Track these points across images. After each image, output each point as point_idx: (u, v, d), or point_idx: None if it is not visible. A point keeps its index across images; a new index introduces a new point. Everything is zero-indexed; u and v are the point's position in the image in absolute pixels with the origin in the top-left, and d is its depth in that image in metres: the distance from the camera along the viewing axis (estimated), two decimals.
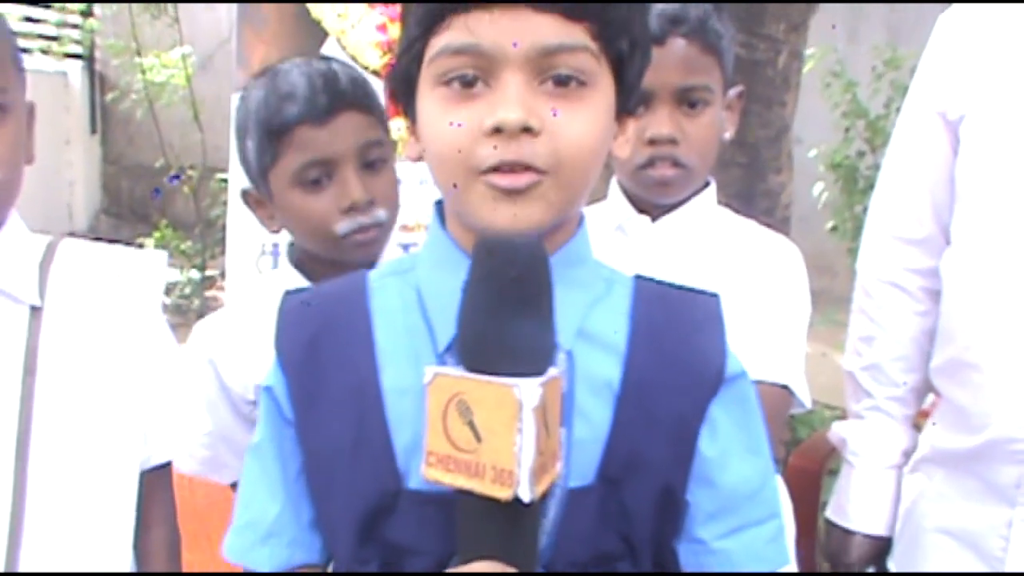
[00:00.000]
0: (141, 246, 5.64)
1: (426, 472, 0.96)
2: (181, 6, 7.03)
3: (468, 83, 1.01)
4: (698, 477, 1.10)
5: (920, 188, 1.79)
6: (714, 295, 1.15)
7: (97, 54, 8.47)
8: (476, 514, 0.96)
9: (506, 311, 0.94)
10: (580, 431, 1.05)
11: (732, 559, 1.12)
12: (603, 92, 1.04)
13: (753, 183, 3.41)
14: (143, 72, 6.94)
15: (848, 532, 1.89)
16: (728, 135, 1.73)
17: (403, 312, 1.11)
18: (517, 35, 0.98)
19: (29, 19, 8.01)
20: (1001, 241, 1.62)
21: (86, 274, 1.48)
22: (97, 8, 7.88)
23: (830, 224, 5.20)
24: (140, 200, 8.88)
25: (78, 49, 8.41)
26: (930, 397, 1.85)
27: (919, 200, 1.79)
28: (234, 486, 1.72)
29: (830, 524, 1.93)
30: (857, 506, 1.88)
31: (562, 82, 1.01)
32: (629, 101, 1.10)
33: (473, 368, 0.94)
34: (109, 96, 7.81)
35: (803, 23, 3.49)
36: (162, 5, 6.91)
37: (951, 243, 1.72)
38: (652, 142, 1.63)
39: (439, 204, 1.12)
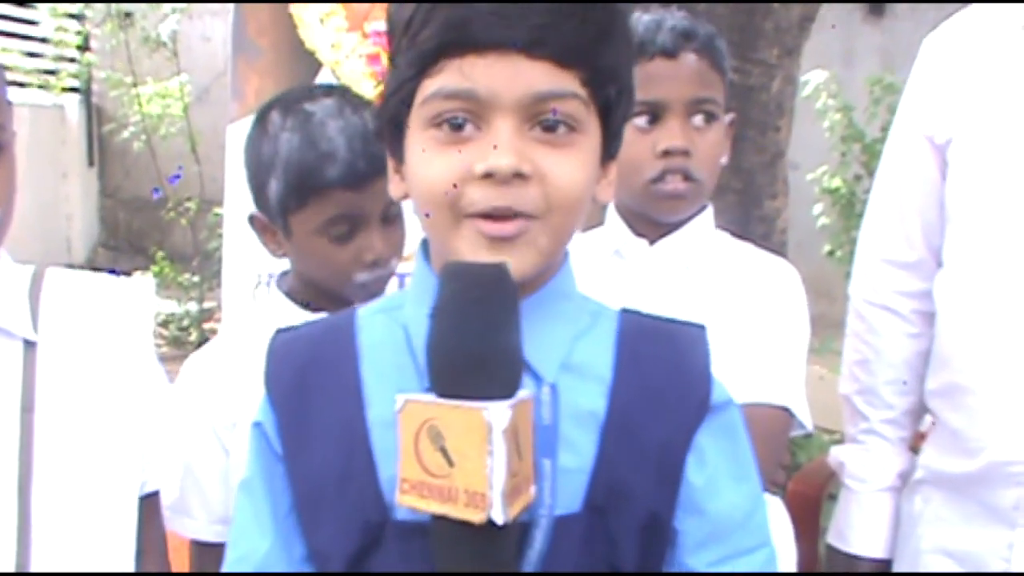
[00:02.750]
0: None
1: (400, 499, 0.96)
2: (178, 39, 7.06)
3: (458, 126, 1.01)
4: (687, 505, 1.09)
5: (910, 212, 1.79)
6: (700, 326, 1.15)
7: (94, 86, 8.48)
8: (452, 539, 0.95)
9: (471, 333, 0.94)
10: (566, 460, 1.05)
11: None
12: (591, 138, 1.05)
13: (748, 209, 3.41)
14: (140, 105, 6.96)
15: (849, 556, 1.89)
16: (723, 160, 1.74)
17: (391, 348, 1.11)
18: (510, 81, 0.99)
19: (30, 54, 8.05)
20: (993, 264, 1.62)
21: (76, 304, 1.46)
22: (94, 42, 7.90)
23: (827, 248, 5.20)
24: (138, 233, 8.88)
25: (75, 83, 8.42)
26: (927, 419, 1.85)
27: (909, 224, 1.80)
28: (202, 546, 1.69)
29: (831, 549, 1.93)
30: (857, 530, 1.88)
31: (551, 128, 1.02)
32: (613, 146, 1.11)
33: (443, 393, 0.94)
34: (106, 128, 7.82)
35: (796, 48, 3.49)
36: (160, 38, 6.94)
37: (943, 266, 1.73)
38: (666, 154, 1.63)
39: (425, 242, 1.12)
